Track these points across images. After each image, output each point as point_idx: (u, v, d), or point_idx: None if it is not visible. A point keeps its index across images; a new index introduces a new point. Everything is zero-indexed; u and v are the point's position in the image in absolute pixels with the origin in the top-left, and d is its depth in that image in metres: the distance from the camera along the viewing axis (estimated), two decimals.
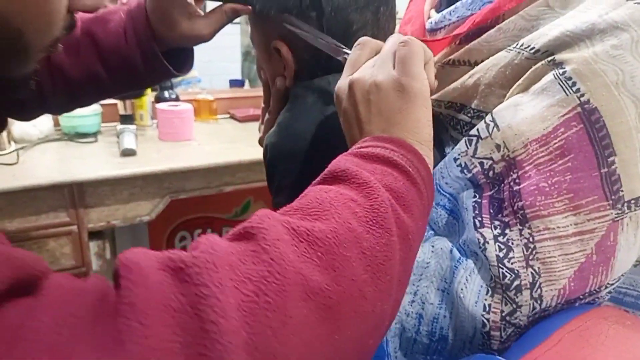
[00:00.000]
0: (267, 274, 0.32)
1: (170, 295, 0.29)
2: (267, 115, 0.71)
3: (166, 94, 2.11)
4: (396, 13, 0.69)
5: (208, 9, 0.71)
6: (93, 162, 1.62)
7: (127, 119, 1.90)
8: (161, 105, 1.95)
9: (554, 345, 0.42)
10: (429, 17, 0.67)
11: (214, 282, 0.30)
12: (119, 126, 1.85)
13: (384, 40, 0.53)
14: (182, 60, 0.74)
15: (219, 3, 0.69)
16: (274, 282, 0.32)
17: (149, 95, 2.08)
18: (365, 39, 0.53)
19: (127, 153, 1.68)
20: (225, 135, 2.06)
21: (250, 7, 0.66)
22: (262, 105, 0.74)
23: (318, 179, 0.44)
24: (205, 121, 2.24)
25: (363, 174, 0.41)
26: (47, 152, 1.72)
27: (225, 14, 0.69)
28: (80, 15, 0.69)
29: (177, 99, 2.12)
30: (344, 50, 0.59)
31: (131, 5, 0.70)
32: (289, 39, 0.63)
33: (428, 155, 0.48)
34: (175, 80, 2.41)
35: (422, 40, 0.52)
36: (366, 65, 0.51)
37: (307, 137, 0.61)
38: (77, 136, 1.87)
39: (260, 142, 0.71)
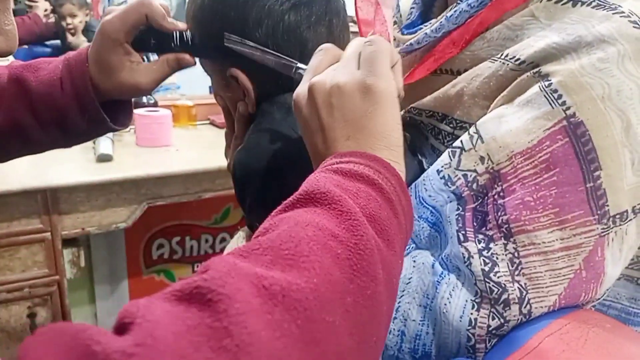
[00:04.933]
0: None
1: None
2: (233, 141, 0.67)
3: (144, 99, 2.08)
4: (349, 25, 0.67)
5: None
6: (68, 168, 1.59)
7: None
8: (139, 111, 1.92)
9: (533, 349, 0.42)
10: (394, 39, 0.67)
11: None
12: None
13: None
14: (119, 114, 0.69)
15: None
16: None
17: (133, 113, 2.05)
18: (327, 45, 0.50)
19: (103, 159, 1.65)
20: (204, 141, 2.03)
21: (194, 60, 0.64)
22: (226, 130, 0.70)
23: (292, 199, 0.38)
24: (184, 127, 2.21)
25: (346, 201, 0.36)
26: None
27: (167, 64, 0.64)
28: (10, 64, 0.66)
29: (155, 105, 2.10)
30: (298, 65, 0.54)
31: (69, 54, 0.65)
32: (245, 65, 0.60)
33: (399, 162, 0.43)
34: None
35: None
36: (328, 69, 0.47)
37: (277, 154, 0.58)
38: None
39: (229, 168, 0.67)
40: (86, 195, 1.54)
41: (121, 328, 0.25)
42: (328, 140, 0.44)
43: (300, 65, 0.54)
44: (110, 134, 1.78)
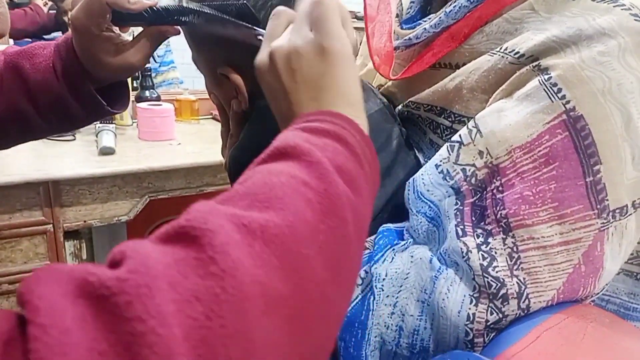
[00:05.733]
0: (220, 290, 0.26)
1: (94, 336, 0.22)
2: (228, 139, 0.67)
3: (147, 93, 2.08)
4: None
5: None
6: (70, 161, 1.59)
7: (106, 118, 1.86)
8: (142, 105, 1.93)
9: (531, 342, 0.42)
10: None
11: (150, 313, 0.23)
12: (98, 125, 1.82)
13: None
14: (116, 97, 0.71)
15: (141, 28, 0.66)
16: (229, 300, 0.26)
17: (130, 94, 2.05)
18: (279, 8, 0.50)
19: (106, 152, 1.66)
20: (206, 136, 2.03)
21: (178, 28, 0.63)
22: (222, 128, 0.70)
23: (262, 155, 0.39)
24: (186, 121, 2.21)
25: (315, 152, 0.37)
26: (23, 149, 1.65)
27: (151, 38, 0.65)
28: (4, 50, 0.66)
29: (158, 99, 2.10)
30: (257, 31, 0.55)
31: (58, 40, 0.66)
32: (236, 62, 0.60)
33: (360, 116, 0.45)
34: (156, 81, 2.38)
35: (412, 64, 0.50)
36: (284, 33, 0.48)
37: None
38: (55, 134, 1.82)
39: (226, 167, 0.67)
40: (88, 188, 1.54)
41: (114, 263, 0.27)
42: (292, 103, 0.46)
43: (259, 30, 0.54)
44: (112, 128, 1.78)
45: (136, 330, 0.23)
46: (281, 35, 0.47)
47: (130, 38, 0.66)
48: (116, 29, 0.64)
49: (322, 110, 0.43)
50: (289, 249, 0.30)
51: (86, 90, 0.65)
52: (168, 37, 0.66)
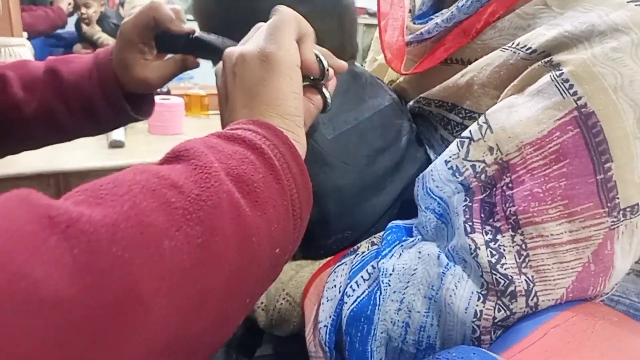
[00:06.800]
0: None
1: None
2: None
3: None
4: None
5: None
6: (80, 153, 1.60)
7: None
8: None
9: (539, 339, 0.41)
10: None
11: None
12: None
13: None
14: (142, 106, 0.75)
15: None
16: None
17: (154, 104, 2.06)
18: (260, 23, 0.49)
19: (116, 145, 1.67)
20: (216, 131, 2.03)
21: (197, 63, 0.68)
22: None
23: (161, 159, 0.37)
24: (196, 116, 2.23)
25: (206, 157, 0.35)
26: None
27: (175, 64, 0.69)
28: (48, 59, 0.71)
29: (168, 93, 2.11)
30: None
31: (100, 50, 0.71)
32: None
33: (293, 131, 0.42)
34: None
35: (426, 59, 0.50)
36: (242, 41, 0.48)
37: None
38: None
39: None
40: None
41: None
42: (230, 109, 0.45)
43: None
44: None
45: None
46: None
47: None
48: (153, 47, 0.68)
49: (252, 119, 0.42)
50: (96, 248, 0.27)
51: (114, 93, 0.69)
52: (189, 69, 0.70)
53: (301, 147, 0.43)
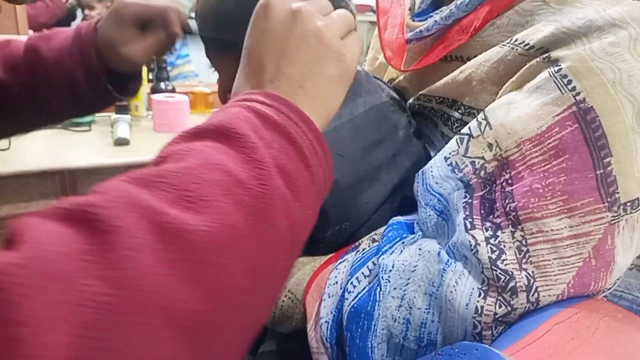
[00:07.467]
0: (115, 300, 0.24)
1: None
2: None
3: (162, 85, 2.10)
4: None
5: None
6: (86, 151, 1.61)
7: (122, 109, 1.89)
8: (157, 96, 1.94)
9: (542, 335, 0.41)
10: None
11: (32, 317, 0.21)
12: (114, 116, 1.84)
13: None
14: (126, 85, 0.73)
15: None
16: (125, 312, 0.24)
17: (145, 86, 2.07)
18: None
19: (121, 142, 1.67)
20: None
21: (180, 33, 0.69)
22: None
23: (205, 127, 0.38)
24: (201, 114, 2.23)
25: (259, 150, 0.35)
26: (40, 139, 1.70)
27: (160, 42, 0.68)
28: (29, 37, 0.70)
29: (173, 91, 2.11)
30: None
31: (82, 25, 0.70)
32: None
33: (317, 112, 0.43)
34: (172, 74, 2.40)
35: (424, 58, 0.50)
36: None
37: None
38: (71, 124, 1.85)
39: None
40: (103, 178, 1.51)
41: (10, 243, 0.25)
42: (280, 70, 0.43)
43: None
44: (128, 119, 1.79)
45: (16, 336, 0.21)
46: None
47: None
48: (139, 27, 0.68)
49: (282, 97, 0.41)
50: (203, 258, 0.29)
51: (95, 70, 0.68)
52: (173, 42, 0.70)
53: (322, 127, 0.43)
